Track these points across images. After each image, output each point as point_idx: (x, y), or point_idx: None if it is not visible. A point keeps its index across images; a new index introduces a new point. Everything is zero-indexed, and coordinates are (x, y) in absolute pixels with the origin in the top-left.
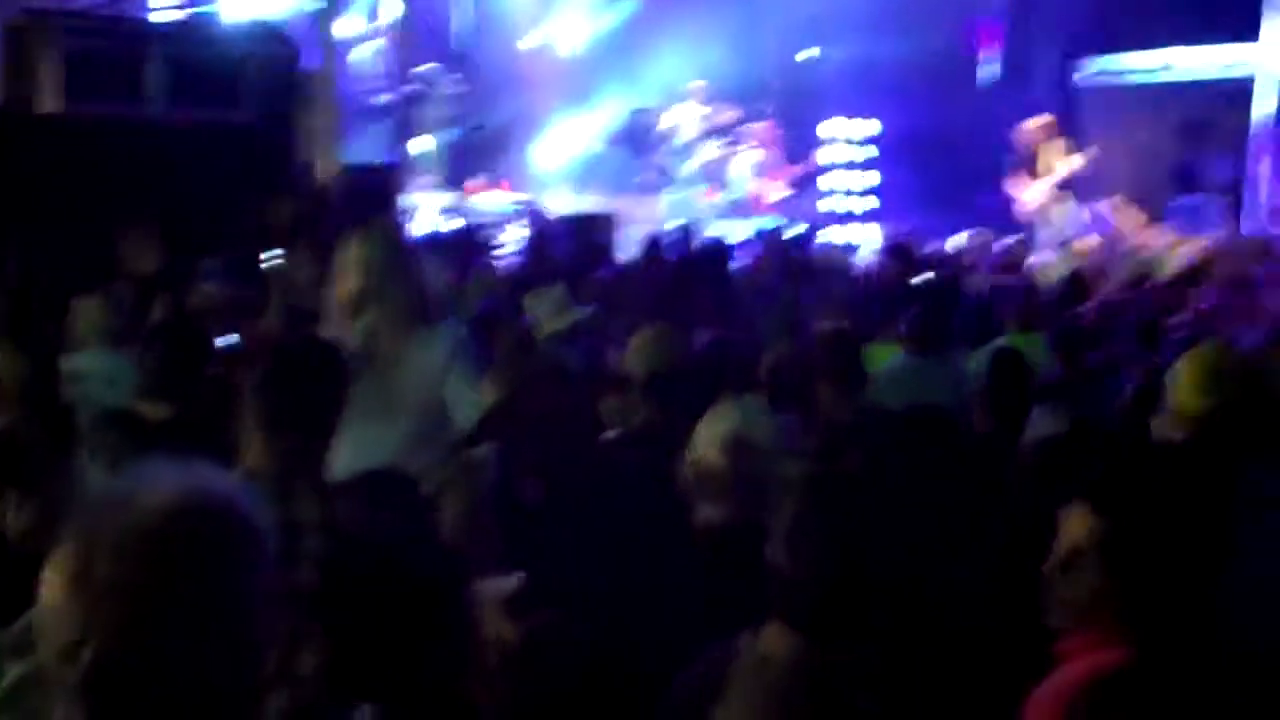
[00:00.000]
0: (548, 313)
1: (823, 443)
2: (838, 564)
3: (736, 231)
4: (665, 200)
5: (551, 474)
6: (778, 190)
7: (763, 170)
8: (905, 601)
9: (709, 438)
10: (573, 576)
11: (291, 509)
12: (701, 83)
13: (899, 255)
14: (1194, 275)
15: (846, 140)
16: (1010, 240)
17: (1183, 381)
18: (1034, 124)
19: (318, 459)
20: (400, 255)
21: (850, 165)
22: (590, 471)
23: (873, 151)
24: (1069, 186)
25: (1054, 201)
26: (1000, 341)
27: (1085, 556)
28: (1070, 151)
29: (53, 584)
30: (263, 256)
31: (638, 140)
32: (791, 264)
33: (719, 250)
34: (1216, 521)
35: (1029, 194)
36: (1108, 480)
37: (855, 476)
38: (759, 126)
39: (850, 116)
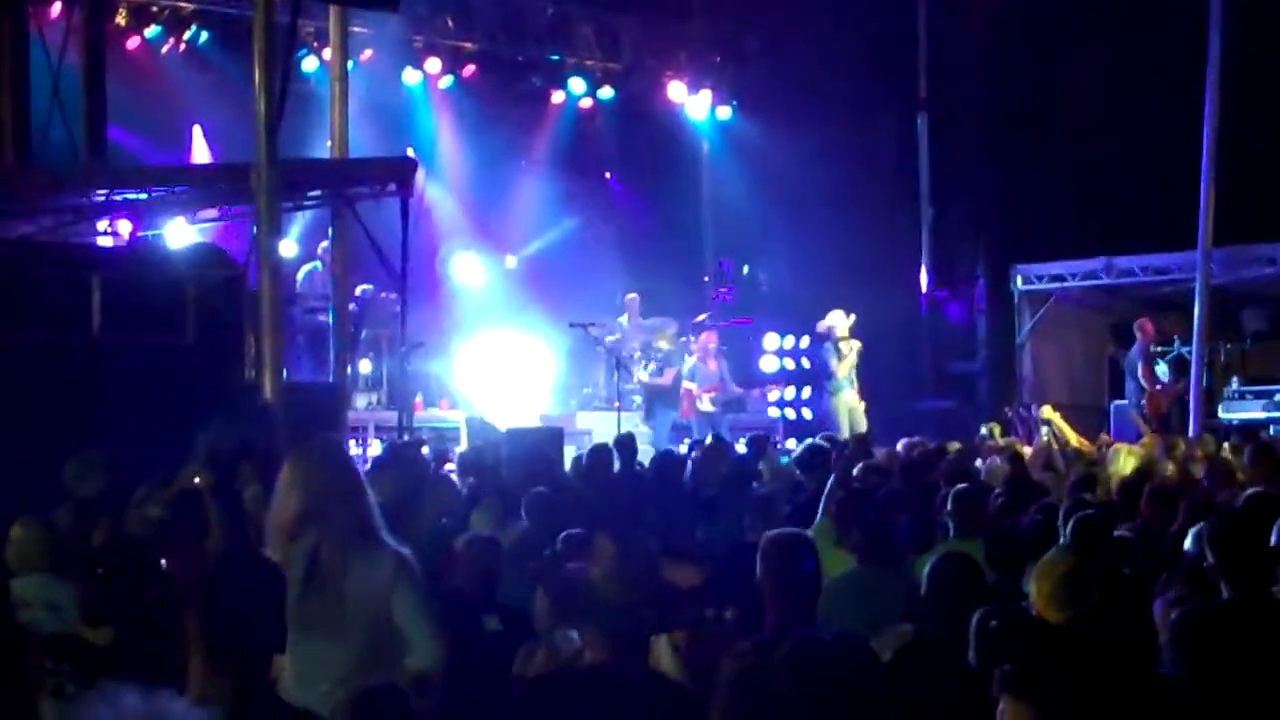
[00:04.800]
0: (486, 529)
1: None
2: None
3: (678, 445)
4: (611, 414)
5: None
6: (705, 403)
7: (696, 377)
8: None
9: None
10: None
11: None
12: (636, 295)
13: (813, 464)
14: (1139, 479)
15: (779, 352)
16: (956, 445)
17: (1037, 595)
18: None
19: (265, 678)
20: (341, 474)
21: (789, 376)
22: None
23: (806, 364)
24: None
25: None
26: (942, 549)
27: None
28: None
29: None
30: (198, 479)
31: (580, 354)
32: (734, 473)
33: (665, 462)
34: None
35: None
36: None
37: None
38: (703, 336)
39: (784, 333)
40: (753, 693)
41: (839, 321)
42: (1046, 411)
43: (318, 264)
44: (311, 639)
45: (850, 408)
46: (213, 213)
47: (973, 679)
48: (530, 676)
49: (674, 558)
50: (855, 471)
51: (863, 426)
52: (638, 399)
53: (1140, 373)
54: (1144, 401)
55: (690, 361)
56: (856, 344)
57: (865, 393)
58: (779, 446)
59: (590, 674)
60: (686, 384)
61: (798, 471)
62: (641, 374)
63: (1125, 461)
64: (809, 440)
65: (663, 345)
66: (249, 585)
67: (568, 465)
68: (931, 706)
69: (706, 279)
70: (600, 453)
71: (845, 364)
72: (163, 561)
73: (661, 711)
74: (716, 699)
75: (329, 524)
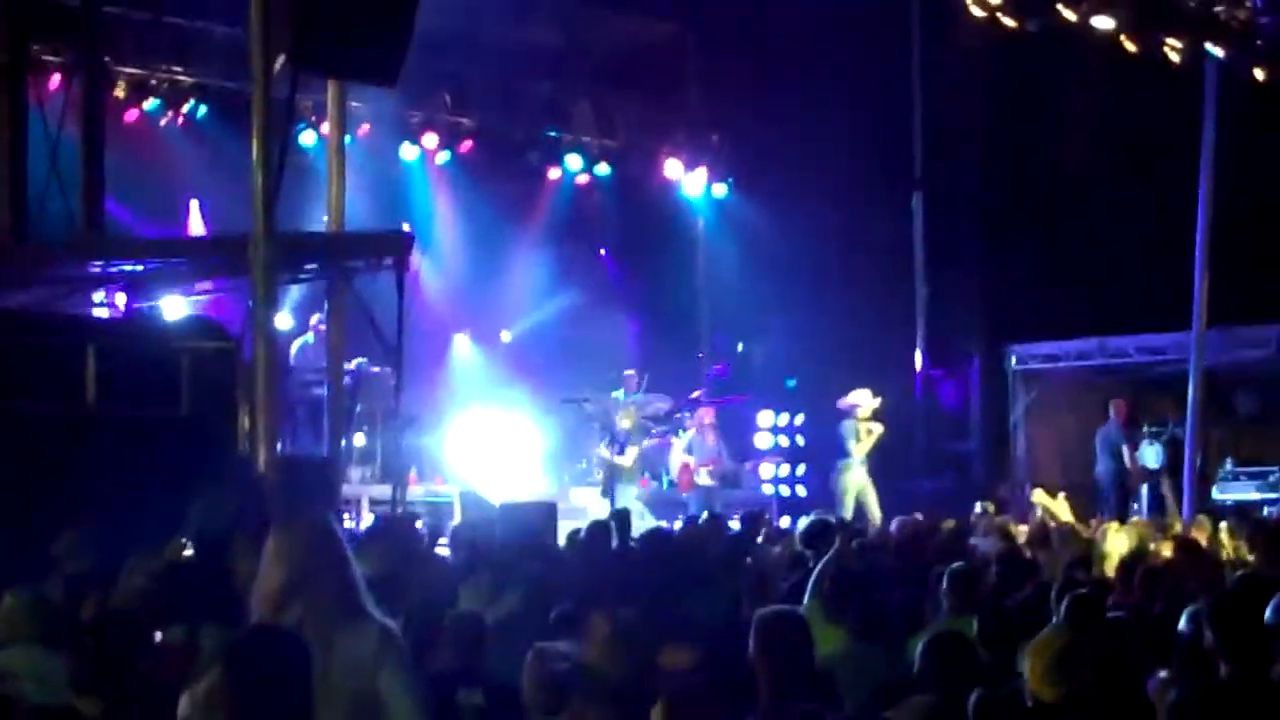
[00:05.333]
0: (476, 604)
1: None
2: None
3: (672, 521)
4: (602, 489)
5: None
6: (704, 476)
7: (694, 451)
8: None
9: None
10: None
11: None
12: (633, 372)
13: (819, 540)
14: (1134, 559)
15: (773, 429)
16: (950, 523)
17: (1032, 672)
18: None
19: None
20: (326, 547)
21: (783, 453)
22: None
23: (800, 441)
24: None
25: None
26: (938, 626)
27: None
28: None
29: None
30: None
31: (574, 431)
32: (729, 550)
33: (658, 540)
34: None
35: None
36: None
37: None
38: (700, 411)
39: (779, 410)
40: None
41: (864, 401)
42: (1038, 495)
43: (309, 337)
44: None
45: (859, 487)
46: (208, 284)
47: None
48: None
49: (668, 637)
50: (851, 547)
51: (874, 507)
52: None
53: (1126, 455)
54: (1128, 482)
55: (687, 436)
56: (879, 428)
57: None
58: (774, 524)
59: None
60: (685, 457)
61: (800, 546)
62: (603, 451)
63: (1115, 539)
64: (812, 516)
65: (624, 424)
66: (277, 660)
67: (561, 540)
68: None
69: (701, 355)
70: (598, 529)
71: (862, 446)
72: (156, 634)
73: None
74: None
75: (313, 596)
